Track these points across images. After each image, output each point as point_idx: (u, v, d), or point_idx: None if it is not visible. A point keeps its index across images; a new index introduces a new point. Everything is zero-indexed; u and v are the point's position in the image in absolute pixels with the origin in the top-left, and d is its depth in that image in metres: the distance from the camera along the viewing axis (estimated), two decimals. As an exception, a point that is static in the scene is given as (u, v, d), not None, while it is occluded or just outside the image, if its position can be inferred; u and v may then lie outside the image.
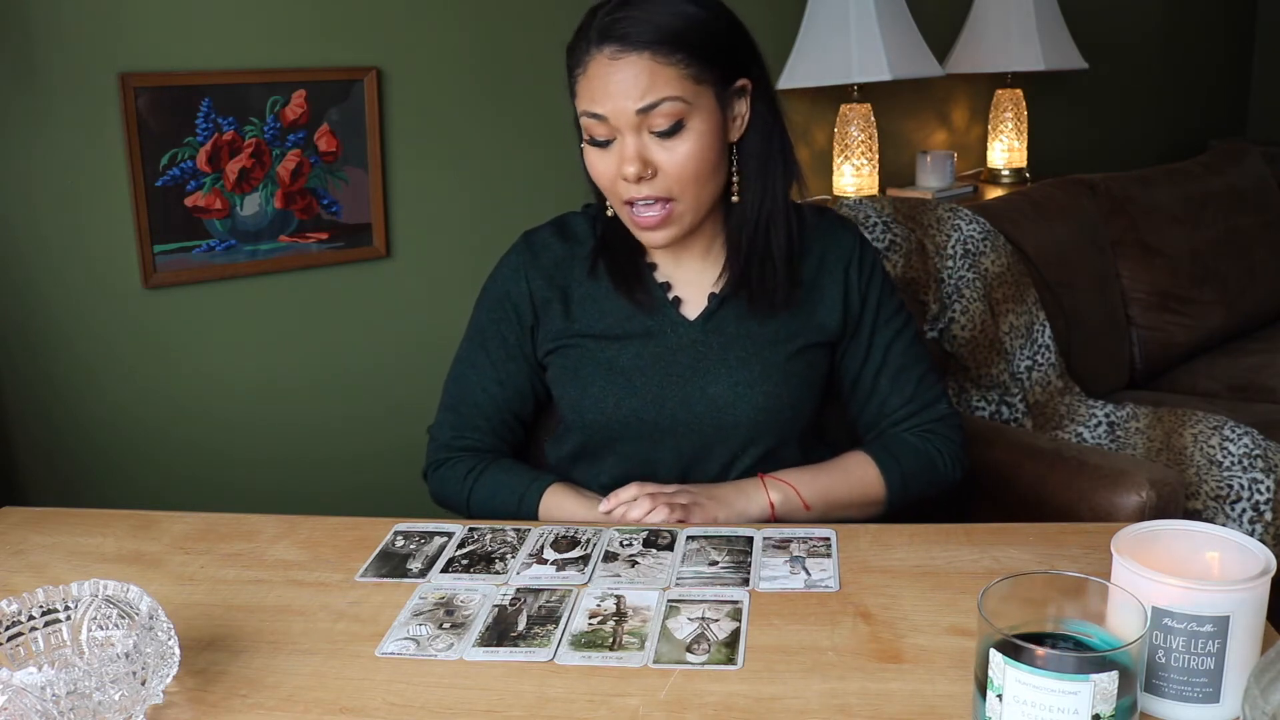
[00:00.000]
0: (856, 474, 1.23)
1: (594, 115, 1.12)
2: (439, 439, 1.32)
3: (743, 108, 1.18)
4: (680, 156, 1.12)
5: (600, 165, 1.15)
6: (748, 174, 1.20)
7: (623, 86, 1.10)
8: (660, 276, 1.26)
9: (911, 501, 1.26)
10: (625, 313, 1.24)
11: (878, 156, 2.77)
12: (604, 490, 1.22)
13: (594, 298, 1.25)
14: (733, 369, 1.22)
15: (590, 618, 0.92)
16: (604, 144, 1.14)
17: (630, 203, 1.16)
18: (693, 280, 1.25)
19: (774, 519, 1.17)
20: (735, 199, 1.20)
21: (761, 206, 1.20)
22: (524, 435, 1.35)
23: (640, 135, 1.12)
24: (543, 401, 1.33)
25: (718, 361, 1.22)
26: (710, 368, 1.22)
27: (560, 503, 1.22)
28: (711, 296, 1.24)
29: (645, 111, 1.10)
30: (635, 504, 1.14)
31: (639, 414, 1.22)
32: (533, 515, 1.22)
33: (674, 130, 1.11)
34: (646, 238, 1.18)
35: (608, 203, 1.22)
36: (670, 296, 1.24)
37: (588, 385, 1.23)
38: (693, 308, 1.25)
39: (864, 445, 1.28)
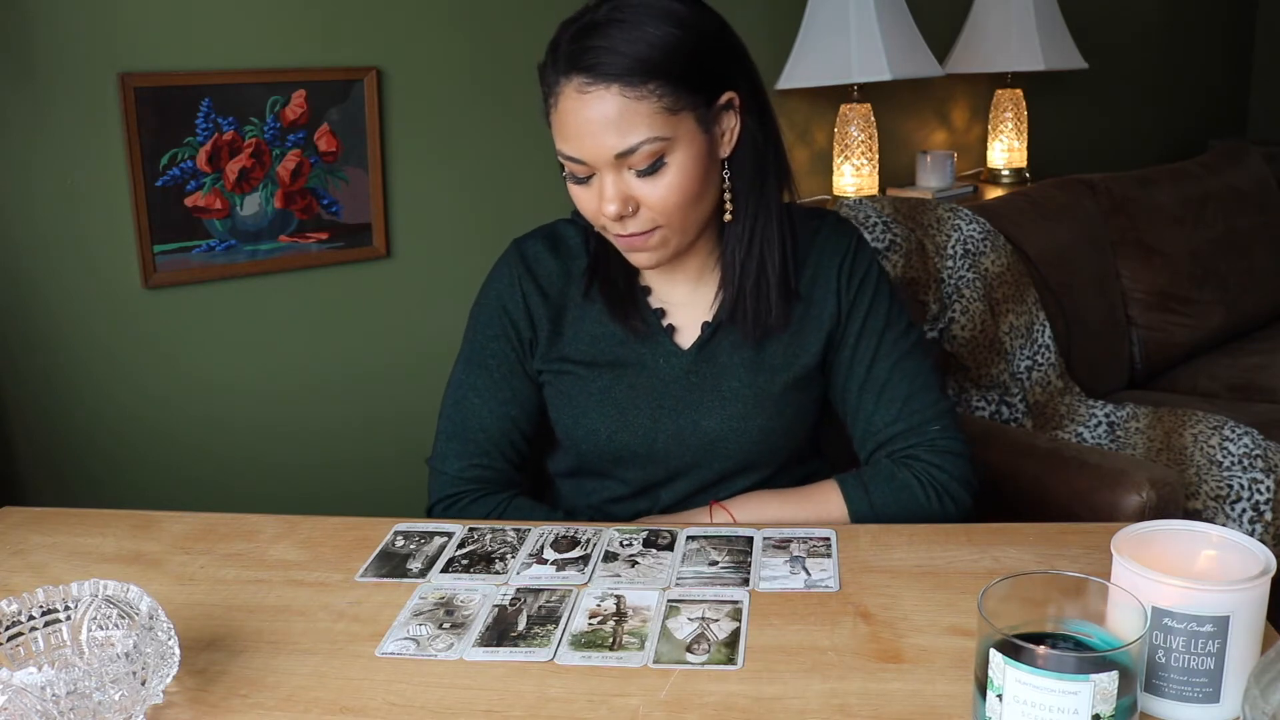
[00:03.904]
0: (815, 501, 1.17)
1: (570, 158, 1.08)
2: (446, 471, 1.23)
3: (731, 121, 1.11)
4: (663, 189, 1.07)
5: (583, 199, 1.11)
6: (740, 189, 1.14)
7: (594, 127, 1.04)
8: (654, 301, 1.22)
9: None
10: (617, 339, 1.20)
11: (878, 156, 2.77)
12: (600, 509, 1.27)
13: (585, 320, 1.21)
14: (726, 401, 1.19)
15: (590, 618, 0.92)
16: (584, 180, 1.09)
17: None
18: (686, 304, 1.21)
19: None
20: (728, 217, 1.15)
21: (756, 222, 1.15)
22: (530, 452, 1.30)
23: (620, 173, 1.06)
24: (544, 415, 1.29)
25: (710, 392, 1.19)
26: (703, 399, 1.19)
27: None
28: (705, 325, 1.20)
29: (623, 156, 1.05)
30: None
31: (631, 446, 1.20)
32: None
33: (654, 168, 1.06)
34: (635, 259, 1.15)
35: None
36: (665, 324, 1.21)
37: (580, 416, 1.21)
38: (686, 336, 1.21)
39: (841, 473, 1.21)
